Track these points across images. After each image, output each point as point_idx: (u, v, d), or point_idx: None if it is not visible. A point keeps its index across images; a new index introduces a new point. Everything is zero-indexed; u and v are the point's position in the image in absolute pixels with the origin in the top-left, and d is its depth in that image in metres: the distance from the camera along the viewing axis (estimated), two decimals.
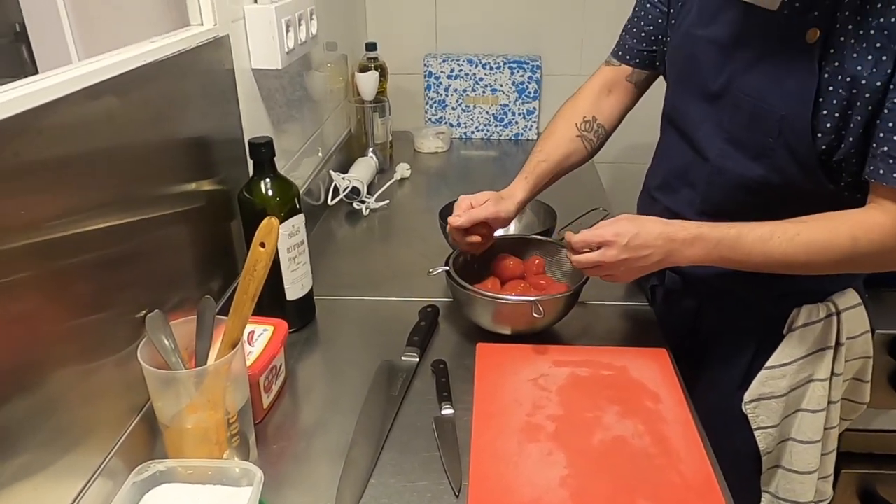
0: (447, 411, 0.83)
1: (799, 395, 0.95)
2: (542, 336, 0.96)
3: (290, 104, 1.25)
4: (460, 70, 1.82)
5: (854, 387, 1.02)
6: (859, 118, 0.76)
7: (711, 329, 1.02)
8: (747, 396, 0.96)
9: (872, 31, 0.73)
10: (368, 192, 1.46)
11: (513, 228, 1.18)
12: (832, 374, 0.94)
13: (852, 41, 0.74)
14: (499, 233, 1.03)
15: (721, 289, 0.96)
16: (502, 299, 0.93)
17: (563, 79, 1.84)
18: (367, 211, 1.42)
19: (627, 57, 1.04)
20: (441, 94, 1.85)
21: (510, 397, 0.85)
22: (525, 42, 1.87)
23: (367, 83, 1.55)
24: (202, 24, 0.92)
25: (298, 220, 0.93)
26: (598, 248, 0.84)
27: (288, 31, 1.08)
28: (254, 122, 1.06)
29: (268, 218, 0.69)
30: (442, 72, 1.82)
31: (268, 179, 0.90)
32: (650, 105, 1.08)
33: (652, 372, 0.89)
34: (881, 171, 0.75)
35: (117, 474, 0.68)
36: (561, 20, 1.84)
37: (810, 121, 0.78)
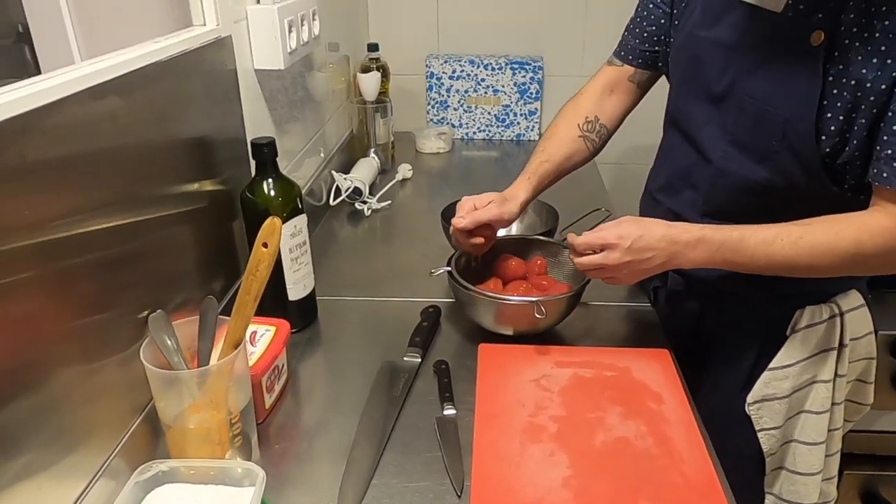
0: (449, 412, 0.83)
1: (802, 396, 0.95)
2: (544, 337, 0.96)
3: (293, 104, 1.25)
4: (462, 71, 1.82)
5: (857, 388, 1.02)
6: (863, 121, 0.76)
7: (714, 330, 1.02)
8: (750, 398, 0.96)
9: (877, 35, 0.73)
10: (370, 193, 1.46)
11: (515, 229, 1.18)
12: (835, 375, 0.94)
13: (857, 44, 0.74)
14: (501, 233, 1.03)
15: (724, 290, 0.95)
16: (504, 300, 0.93)
17: (564, 79, 1.84)
18: (369, 211, 1.42)
19: (630, 57, 1.04)
20: (443, 95, 1.85)
21: (512, 398, 0.85)
22: (527, 43, 1.87)
23: (369, 84, 1.55)
24: (205, 25, 0.92)
25: (301, 221, 0.93)
26: (601, 250, 0.84)
27: (290, 31, 1.08)
28: (256, 123, 1.06)
29: (270, 218, 0.70)
30: (444, 72, 1.82)
31: (270, 180, 0.90)
32: (652, 106, 1.08)
33: (654, 373, 0.89)
34: (885, 175, 0.75)
35: (120, 474, 0.68)
36: (563, 21, 1.84)
37: (814, 124, 0.78)
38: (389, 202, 1.46)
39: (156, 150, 0.78)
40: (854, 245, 0.77)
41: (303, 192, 0.97)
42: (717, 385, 1.00)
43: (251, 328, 0.81)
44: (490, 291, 0.95)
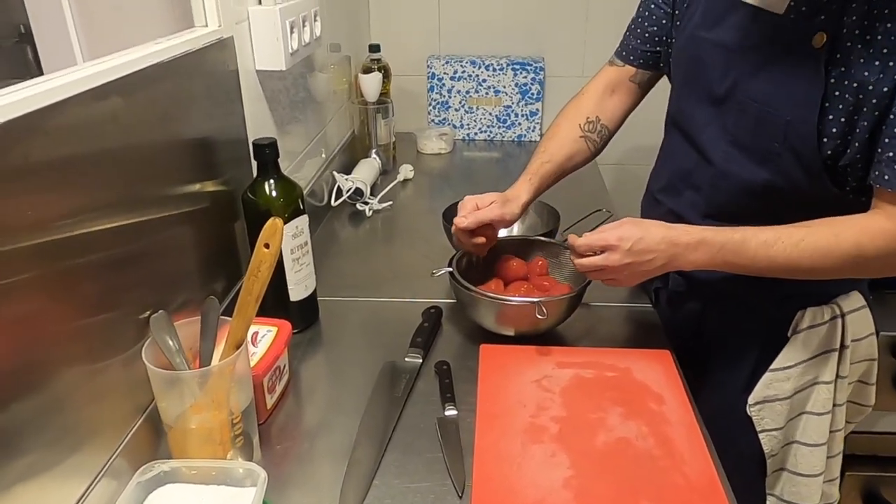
0: (450, 412, 0.83)
1: (804, 397, 0.95)
2: (545, 337, 0.96)
3: (294, 105, 1.26)
4: (463, 71, 1.82)
5: (859, 389, 1.02)
6: (865, 123, 0.76)
7: (715, 331, 1.02)
8: (752, 399, 0.96)
9: (880, 37, 0.73)
10: (371, 194, 1.46)
11: (516, 230, 1.18)
12: (837, 376, 0.94)
13: (859, 46, 0.74)
14: (502, 233, 1.03)
15: (725, 291, 0.95)
16: (506, 300, 0.93)
17: (566, 80, 1.84)
18: (371, 212, 1.42)
19: (631, 57, 1.04)
20: (444, 96, 1.85)
21: (514, 398, 0.85)
22: (528, 43, 1.87)
23: (371, 84, 1.55)
24: (206, 26, 0.92)
25: (302, 222, 0.93)
26: (602, 251, 0.84)
27: (292, 32, 1.08)
28: (258, 124, 1.06)
29: (272, 219, 0.70)
30: (445, 73, 1.83)
31: (272, 180, 0.90)
32: (653, 107, 1.08)
33: (656, 373, 0.89)
34: (886, 177, 0.75)
35: (122, 474, 0.68)
36: (564, 21, 1.84)
37: (816, 126, 0.78)
38: (391, 203, 1.46)
39: (158, 150, 0.78)
40: (855, 247, 0.77)
41: (304, 192, 0.97)
42: (719, 386, 1.00)
43: (253, 329, 0.81)
44: (491, 292, 0.95)
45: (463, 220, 0.93)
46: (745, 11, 0.84)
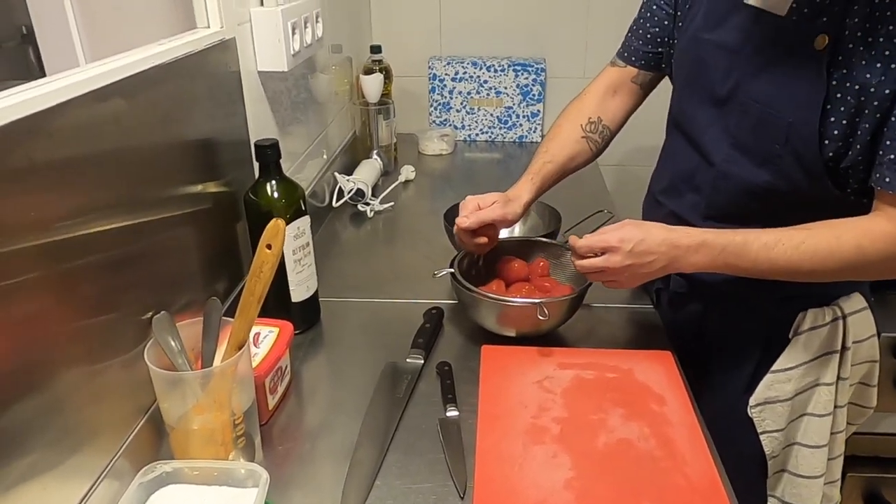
0: (452, 413, 0.83)
1: (805, 399, 0.95)
2: (546, 338, 0.97)
3: (296, 106, 1.26)
4: (464, 72, 1.82)
5: (861, 391, 1.02)
6: (867, 126, 0.76)
7: (717, 333, 1.02)
8: (753, 400, 0.96)
9: (882, 39, 0.73)
10: (373, 195, 1.46)
11: (517, 230, 1.18)
12: (838, 378, 0.94)
13: (861, 48, 0.74)
14: (503, 234, 1.03)
15: (726, 292, 0.95)
16: (507, 301, 0.93)
17: (567, 81, 1.84)
18: (372, 213, 1.42)
19: (633, 58, 1.04)
20: (445, 97, 1.85)
21: (515, 399, 0.85)
22: (529, 44, 1.87)
23: (372, 85, 1.55)
24: (209, 27, 0.93)
25: (304, 222, 0.93)
26: (602, 253, 0.84)
27: (294, 33, 1.08)
28: (259, 125, 1.07)
29: (274, 220, 0.70)
30: (446, 74, 1.83)
31: (273, 181, 0.90)
32: (655, 108, 1.08)
33: (657, 374, 0.89)
34: (887, 179, 0.75)
35: (124, 475, 0.69)
36: (565, 22, 1.84)
37: (818, 128, 0.78)
38: (392, 204, 1.47)
39: (160, 151, 0.78)
40: (856, 250, 0.77)
41: (306, 193, 0.97)
42: (720, 387, 1.00)
43: (254, 329, 0.81)
44: (493, 293, 0.95)
45: (465, 219, 0.93)
46: (747, 13, 0.84)
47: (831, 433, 0.96)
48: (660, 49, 1.01)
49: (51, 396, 0.60)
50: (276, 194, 0.90)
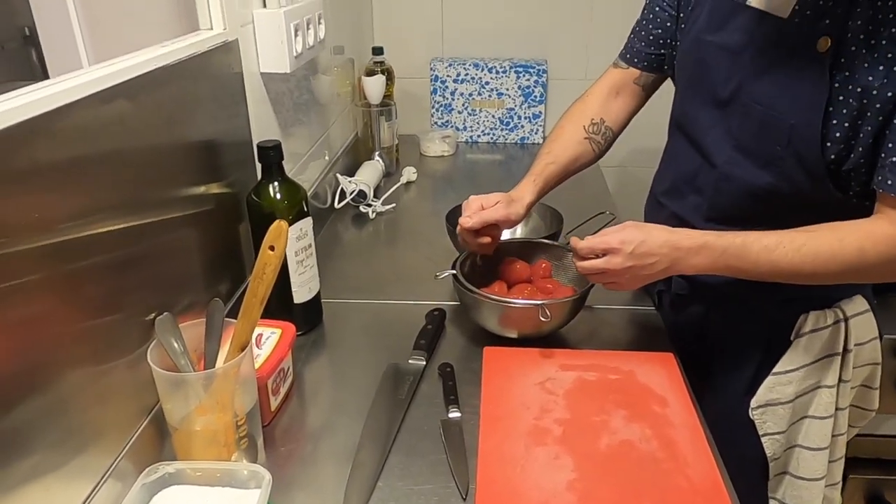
0: (454, 414, 0.83)
1: (806, 401, 0.95)
2: (548, 340, 0.97)
3: (298, 108, 1.26)
4: (466, 74, 1.82)
5: (862, 393, 1.02)
6: (869, 128, 0.76)
7: (718, 334, 1.02)
8: (754, 402, 0.96)
9: (884, 42, 0.73)
10: (375, 196, 1.46)
11: (519, 232, 1.18)
12: (840, 380, 0.94)
13: (864, 51, 0.74)
14: (505, 235, 1.03)
15: (728, 294, 0.95)
16: (509, 303, 0.93)
17: (568, 83, 1.84)
18: (374, 214, 1.42)
19: (635, 60, 1.05)
20: (447, 98, 1.86)
21: (517, 401, 0.85)
22: (531, 46, 1.87)
23: (374, 87, 1.56)
24: (212, 29, 0.93)
25: (306, 224, 0.93)
26: (604, 254, 0.84)
27: (296, 35, 1.08)
28: (262, 126, 1.07)
29: (277, 221, 0.70)
30: (448, 76, 1.83)
31: (276, 183, 0.90)
32: (657, 109, 1.08)
33: (659, 376, 0.89)
34: (889, 182, 0.75)
35: (127, 476, 0.69)
36: (567, 24, 1.84)
37: (820, 130, 0.78)
38: (394, 205, 1.47)
39: (163, 153, 0.78)
40: (857, 252, 0.77)
41: (308, 194, 0.97)
42: (721, 389, 1.00)
43: (257, 331, 0.81)
44: (495, 294, 0.95)
45: (468, 219, 0.93)
46: (750, 15, 0.84)
47: (832, 436, 0.96)
48: (662, 51, 1.02)
49: (54, 397, 0.60)
50: (278, 196, 0.90)
